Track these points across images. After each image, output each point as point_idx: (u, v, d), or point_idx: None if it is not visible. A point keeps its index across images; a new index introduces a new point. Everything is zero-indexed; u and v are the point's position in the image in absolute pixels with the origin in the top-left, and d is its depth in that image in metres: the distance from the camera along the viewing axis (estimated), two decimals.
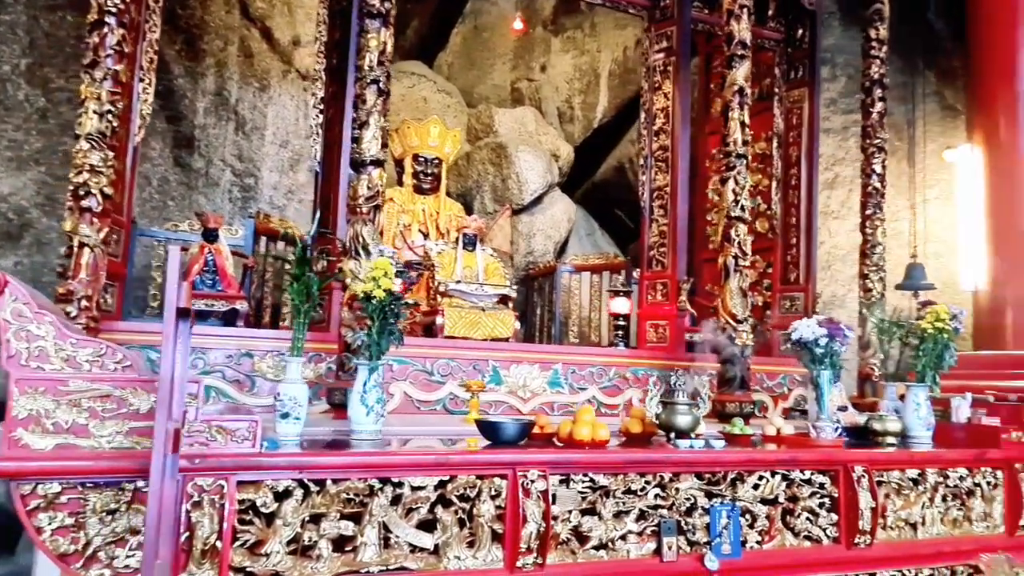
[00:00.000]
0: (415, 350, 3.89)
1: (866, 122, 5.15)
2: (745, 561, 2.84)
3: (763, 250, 5.55)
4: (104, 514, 2.11)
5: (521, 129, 7.79)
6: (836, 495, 3.09)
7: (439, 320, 4.57)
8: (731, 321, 4.19)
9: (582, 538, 2.66)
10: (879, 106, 5.11)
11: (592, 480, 2.69)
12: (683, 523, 2.81)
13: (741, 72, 4.35)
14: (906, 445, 3.46)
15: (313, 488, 2.31)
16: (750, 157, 4.42)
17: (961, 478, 3.38)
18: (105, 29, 3.08)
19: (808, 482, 3.07)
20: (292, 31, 6.75)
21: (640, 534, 2.75)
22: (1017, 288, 5.25)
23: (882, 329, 4.27)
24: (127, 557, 2.12)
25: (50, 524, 2.07)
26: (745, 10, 4.40)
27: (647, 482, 2.78)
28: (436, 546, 2.45)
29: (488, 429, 2.80)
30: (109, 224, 3.18)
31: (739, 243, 4.24)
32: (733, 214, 4.26)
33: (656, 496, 2.79)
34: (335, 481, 2.33)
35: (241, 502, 2.21)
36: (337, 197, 4.12)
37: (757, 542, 2.94)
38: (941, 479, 3.34)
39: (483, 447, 2.74)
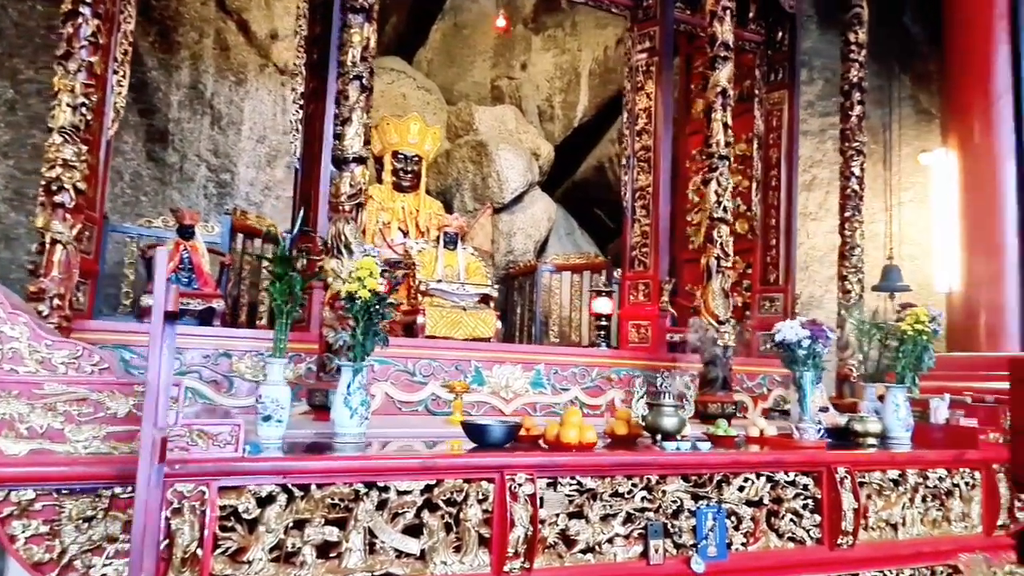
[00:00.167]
0: (396, 350, 3.84)
1: (845, 125, 5.20)
2: (731, 563, 2.84)
3: (743, 251, 5.59)
4: (80, 521, 2.04)
5: (501, 127, 7.75)
6: (819, 496, 3.11)
7: (420, 319, 4.53)
8: (713, 322, 4.20)
9: (569, 542, 2.64)
10: (858, 109, 5.16)
11: (579, 483, 2.67)
12: (669, 526, 2.80)
13: (724, 73, 4.36)
14: (886, 446, 3.49)
15: (297, 493, 2.25)
16: (732, 158, 4.43)
17: (940, 479, 3.42)
18: (79, 19, 2.99)
19: (792, 483, 3.08)
20: (270, 24, 6.63)
21: (627, 537, 2.73)
22: (990, 291, 5.34)
23: (861, 330, 4.31)
24: (104, 566, 2.05)
25: (24, 532, 1.99)
26: (728, 12, 4.41)
27: (634, 485, 2.76)
28: (422, 551, 2.41)
29: (474, 432, 2.76)
30: (82, 220, 3.09)
31: (721, 244, 4.25)
32: (716, 215, 4.27)
33: (643, 499, 2.77)
34: (320, 486, 2.28)
35: (223, 508, 2.15)
36: (318, 194, 4.06)
37: (742, 544, 2.94)
38: (921, 480, 3.38)
39: (469, 450, 2.71)
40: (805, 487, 3.10)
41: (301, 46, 4.43)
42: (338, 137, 3.50)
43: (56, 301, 2.87)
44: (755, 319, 5.53)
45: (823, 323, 3.48)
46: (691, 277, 5.58)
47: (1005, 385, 3.76)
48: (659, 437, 3.02)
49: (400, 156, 6.28)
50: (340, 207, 3.44)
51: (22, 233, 5.10)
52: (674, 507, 2.83)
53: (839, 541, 3.07)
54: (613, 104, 7.54)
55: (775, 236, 5.63)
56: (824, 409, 3.75)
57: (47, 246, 2.90)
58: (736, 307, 4.77)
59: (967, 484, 3.49)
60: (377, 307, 2.75)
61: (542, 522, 2.55)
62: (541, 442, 2.89)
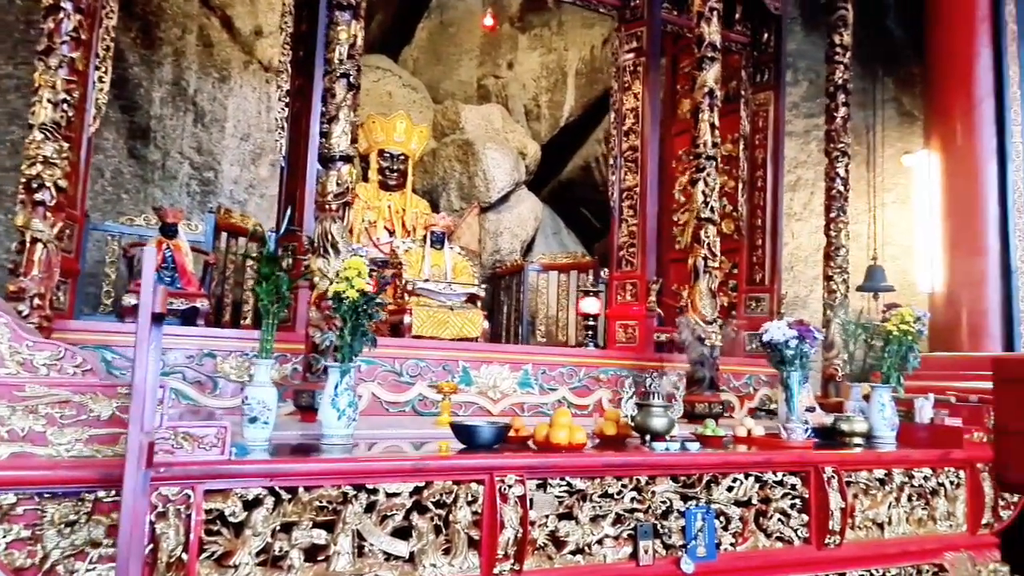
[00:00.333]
0: (383, 350, 3.81)
1: (830, 126, 5.24)
2: (720, 563, 2.85)
3: (729, 251, 5.60)
4: (63, 526, 1.99)
5: (488, 126, 7.73)
6: (807, 496, 3.12)
7: (407, 319, 4.50)
8: (700, 322, 4.20)
9: (559, 543, 2.63)
10: (843, 111, 5.20)
11: (569, 484, 2.66)
12: (659, 526, 2.80)
13: (711, 74, 4.37)
14: (872, 445, 3.51)
15: (284, 496, 2.22)
16: (718, 159, 4.44)
17: (926, 478, 3.44)
18: (61, 14, 2.94)
19: (780, 483, 3.09)
20: (254, 21, 6.56)
21: (616, 538, 2.73)
22: (972, 291, 5.40)
23: (847, 330, 4.34)
24: (87, 571, 2.00)
25: (4, 537, 1.94)
26: (715, 13, 4.42)
27: (623, 485, 2.75)
28: (411, 554, 2.39)
29: (464, 433, 2.74)
30: (63, 218, 3.03)
31: (708, 244, 4.26)
32: (703, 215, 4.28)
33: (632, 499, 2.77)
34: (307, 488, 2.25)
35: (208, 512, 2.11)
36: (304, 193, 4.02)
37: (731, 544, 2.94)
38: (907, 479, 3.40)
39: (458, 451, 2.69)
40: (793, 487, 3.11)
41: (286, 43, 4.39)
42: (325, 135, 3.47)
43: (37, 301, 2.82)
44: (741, 319, 5.55)
45: (810, 323, 3.50)
46: (678, 277, 5.59)
47: (988, 385, 3.80)
48: (648, 437, 3.02)
49: (386, 155, 6.25)
50: (327, 206, 3.41)
51: (1, 232, 5.01)
52: (663, 508, 2.82)
53: (826, 540, 3.08)
54: (599, 104, 7.55)
55: (761, 236, 5.66)
56: (811, 409, 3.76)
57: (27, 245, 2.86)
58: (722, 307, 4.79)
59: (952, 483, 3.52)
60: (365, 307, 2.72)
61: (532, 523, 2.53)
62: (530, 443, 2.88)
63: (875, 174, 7.17)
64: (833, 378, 4.92)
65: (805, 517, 3.11)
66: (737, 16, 5.82)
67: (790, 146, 6.85)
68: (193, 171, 6.19)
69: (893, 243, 7.05)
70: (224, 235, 4.94)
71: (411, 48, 8.82)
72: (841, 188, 5.14)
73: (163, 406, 2.05)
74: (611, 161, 5.32)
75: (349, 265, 2.74)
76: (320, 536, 2.26)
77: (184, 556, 2.01)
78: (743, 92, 5.83)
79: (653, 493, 2.81)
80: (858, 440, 3.48)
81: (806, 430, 3.34)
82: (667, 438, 3.02)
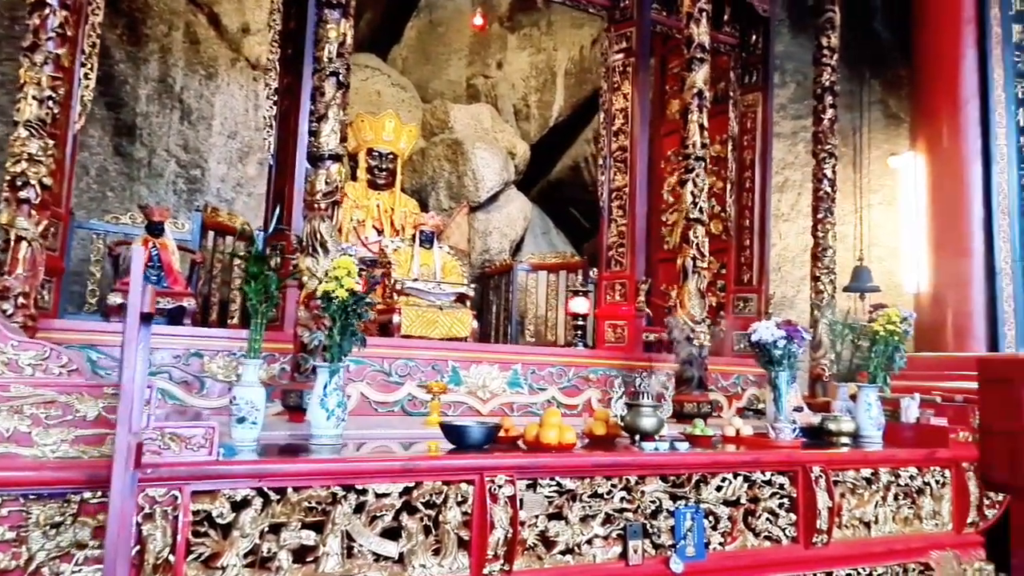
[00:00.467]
0: (372, 350, 3.79)
1: (817, 128, 5.27)
2: (709, 563, 2.86)
3: (717, 251, 5.62)
4: (48, 528, 1.97)
5: (477, 126, 7.72)
6: (795, 495, 3.14)
7: (396, 319, 4.49)
8: (689, 321, 4.22)
9: (549, 543, 2.63)
10: (830, 112, 5.24)
11: (559, 484, 2.66)
12: (648, 526, 2.80)
13: (700, 75, 4.38)
14: (859, 445, 3.53)
15: (273, 497, 2.21)
16: (707, 159, 4.45)
17: (912, 477, 3.47)
18: (46, 10, 2.91)
19: (768, 483, 3.10)
20: (241, 18, 6.51)
21: (606, 538, 2.73)
22: (957, 292, 5.45)
23: (834, 330, 4.36)
24: (73, 573, 1.98)
25: None
26: (704, 14, 4.43)
27: (613, 485, 2.76)
28: (401, 554, 2.38)
29: (454, 433, 2.73)
30: (47, 216, 3.00)
31: (697, 244, 4.27)
32: (692, 216, 4.29)
33: (622, 499, 2.77)
34: (296, 489, 2.24)
35: (196, 513, 2.10)
36: (292, 192, 4.00)
37: (720, 543, 2.95)
38: (893, 478, 3.42)
39: (448, 451, 2.68)
40: (781, 486, 3.13)
41: (275, 41, 4.36)
42: (314, 134, 3.45)
43: (21, 300, 2.79)
44: (729, 319, 5.58)
45: (798, 323, 3.52)
46: (666, 277, 5.60)
47: (974, 385, 3.84)
48: (637, 437, 3.02)
49: (375, 153, 6.23)
50: (315, 205, 3.39)
51: None
52: (653, 507, 2.83)
53: (814, 539, 3.10)
54: (589, 104, 7.55)
55: (749, 237, 5.69)
56: (799, 409, 3.78)
57: (11, 243, 2.82)
58: (711, 307, 4.81)
59: (938, 482, 3.55)
60: (354, 307, 2.70)
61: (522, 524, 2.53)
62: (520, 443, 2.87)
63: (862, 175, 7.22)
64: (821, 378, 4.95)
65: (793, 516, 3.13)
66: (726, 18, 5.84)
67: (778, 147, 6.89)
68: (180, 169, 6.14)
69: (879, 244, 7.11)
70: (211, 234, 4.91)
71: (400, 47, 8.80)
72: (828, 189, 5.18)
73: (150, 406, 2.03)
74: (600, 161, 5.33)
75: (338, 264, 2.72)
76: (309, 537, 2.24)
77: (171, 558, 1.99)
78: (732, 93, 5.85)
79: (642, 493, 2.82)
80: (845, 440, 3.50)
81: (794, 430, 3.36)
82: (656, 438, 3.03)
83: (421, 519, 2.42)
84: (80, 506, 2.00)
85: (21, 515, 1.94)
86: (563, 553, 2.64)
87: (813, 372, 5.03)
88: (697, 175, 4.31)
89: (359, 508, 2.33)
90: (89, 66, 3.66)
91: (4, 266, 2.79)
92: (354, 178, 6.25)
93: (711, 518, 2.95)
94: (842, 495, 3.25)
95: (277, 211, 3.34)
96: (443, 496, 2.45)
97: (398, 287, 4.73)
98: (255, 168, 6.34)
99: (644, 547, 2.77)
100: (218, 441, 2.14)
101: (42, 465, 1.97)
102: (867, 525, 3.33)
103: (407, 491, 2.40)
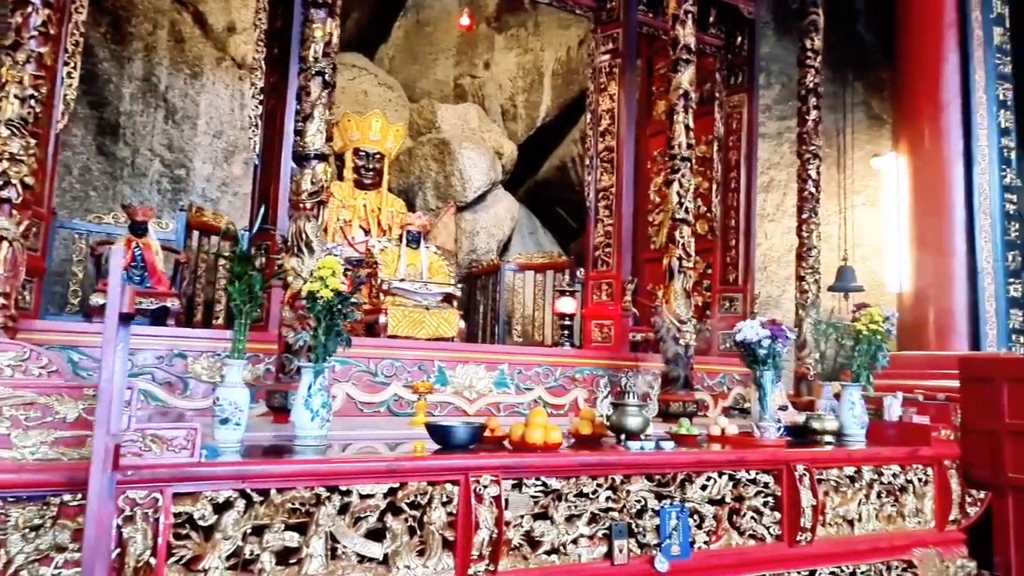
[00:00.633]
0: (358, 350, 3.78)
1: (802, 129, 5.30)
2: (694, 561, 2.87)
3: (703, 251, 5.64)
4: (27, 530, 1.95)
5: (464, 126, 7.72)
6: (779, 494, 3.15)
7: (382, 319, 4.48)
8: (675, 321, 4.23)
9: (534, 543, 2.63)
10: (814, 114, 5.27)
11: (545, 484, 2.66)
12: (634, 525, 2.81)
13: (686, 76, 4.40)
14: (842, 443, 3.56)
15: (256, 498, 2.19)
16: (693, 160, 4.47)
17: (894, 475, 3.50)
18: (29, 8, 2.87)
19: (753, 482, 3.12)
20: (227, 17, 6.48)
21: (591, 538, 2.73)
22: (939, 291, 5.49)
23: (818, 330, 4.39)
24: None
25: None
26: (690, 16, 4.45)
27: (599, 485, 2.76)
28: (385, 555, 2.37)
29: (439, 433, 2.73)
30: (29, 216, 2.96)
31: (683, 245, 4.29)
32: (677, 216, 4.31)
33: (607, 499, 2.78)
34: (280, 490, 2.23)
35: (177, 515, 2.08)
36: (277, 191, 3.98)
37: (705, 542, 2.97)
38: (876, 476, 3.45)
39: (433, 452, 2.67)
40: (766, 485, 3.15)
41: (261, 40, 4.34)
42: (299, 133, 3.43)
43: (1, 300, 2.74)
44: (715, 318, 5.60)
45: (782, 323, 3.54)
46: (653, 277, 5.62)
47: (955, 383, 3.87)
48: (623, 437, 3.03)
49: (362, 153, 6.20)
50: (301, 204, 3.37)
51: None
52: (638, 507, 2.84)
53: (798, 537, 3.12)
54: (576, 104, 7.56)
55: (735, 237, 5.72)
56: (783, 407, 3.81)
57: None
58: (697, 307, 4.82)
59: (920, 480, 3.58)
60: (340, 307, 2.69)
61: (507, 524, 2.53)
62: (506, 443, 2.87)
63: (845, 176, 7.28)
64: (806, 377, 4.98)
65: (777, 515, 3.15)
66: (711, 20, 5.87)
67: (763, 148, 6.93)
68: (164, 168, 6.10)
69: (863, 244, 7.16)
70: (196, 234, 4.87)
71: (387, 46, 8.77)
72: (812, 190, 5.21)
73: (131, 408, 2.01)
74: (587, 161, 5.34)
75: (323, 264, 2.71)
76: (292, 539, 2.23)
77: (152, 560, 1.97)
78: (717, 94, 5.88)
79: (628, 492, 2.82)
80: (829, 438, 3.53)
81: (779, 429, 3.38)
82: (642, 437, 3.04)
83: (406, 520, 2.41)
84: (60, 509, 1.98)
85: (0, 518, 1.92)
86: (548, 553, 2.64)
87: (798, 371, 5.06)
88: (683, 175, 4.33)
89: (343, 509, 2.32)
90: (72, 65, 3.62)
91: None
92: (341, 178, 6.22)
93: (696, 517, 2.97)
94: (826, 493, 3.27)
95: (261, 211, 3.32)
96: (428, 497, 2.45)
97: (385, 287, 4.72)
98: (241, 168, 6.30)
99: (629, 546, 2.77)
100: (200, 442, 2.12)
101: (21, 467, 1.95)
102: (850, 523, 3.35)
103: (392, 492, 2.39)
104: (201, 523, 2.11)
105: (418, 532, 2.43)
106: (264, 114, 4.22)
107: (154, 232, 4.31)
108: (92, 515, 1.66)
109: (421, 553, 2.42)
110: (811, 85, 5.27)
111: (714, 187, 5.80)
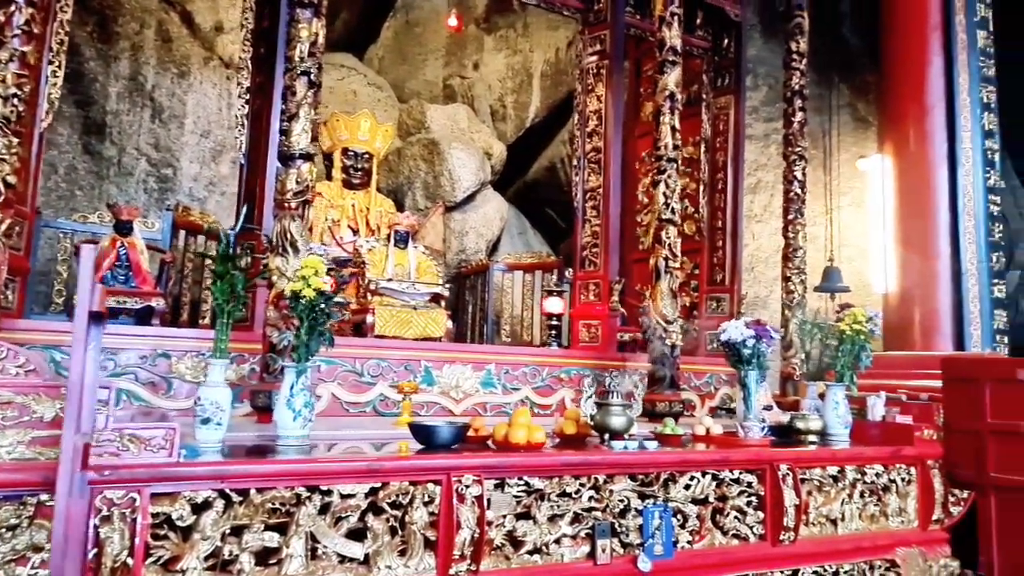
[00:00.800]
0: (344, 350, 3.78)
1: (788, 131, 5.32)
2: (677, 561, 2.87)
3: (690, 252, 5.66)
4: (3, 530, 1.94)
5: (454, 126, 7.71)
6: (763, 493, 3.16)
7: (369, 319, 4.47)
8: (661, 321, 4.24)
9: (516, 543, 2.63)
10: (800, 116, 5.29)
11: (527, 484, 2.66)
12: (617, 525, 2.81)
13: (672, 77, 4.41)
14: (826, 443, 3.58)
15: (235, 498, 2.19)
16: (680, 161, 4.48)
17: (878, 475, 3.52)
18: (12, 7, 2.86)
19: (736, 481, 3.13)
20: (214, 16, 6.46)
21: (574, 537, 2.74)
22: (924, 292, 5.53)
23: (803, 330, 4.41)
24: None
25: None
26: (676, 17, 4.46)
27: (582, 484, 2.77)
28: (366, 556, 2.36)
29: (422, 433, 2.73)
30: (12, 215, 2.95)
31: (670, 245, 4.30)
32: (664, 217, 4.32)
33: (590, 498, 2.78)
34: (260, 490, 2.22)
35: (155, 515, 2.07)
36: (263, 191, 3.97)
37: (688, 542, 2.97)
38: (859, 476, 3.47)
39: (417, 452, 2.67)
40: (749, 484, 3.16)
41: (247, 40, 4.33)
42: (285, 133, 3.42)
43: None
44: (702, 319, 5.62)
45: (767, 323, 3.56)
46: (640, 277, 5.63)
47: (938, 383, 3.90)
48: (607, 436, 3.03)
49: (350, 153, 6.19)
50: (286, 204, 3.36)
51: None
52: (621, 506, 2.84)
53: (781, 537, 3.13)
54: (565, 105, 7.57)
55: (722, 238, 5.73)
56: (768, 407, 3.82)
57: None
58: (684, 307, 4.84)
59: (903, 480, 3.60)
60: (323, 306, 2.69)
61: (489, 524, 2.53)
62: (490, 443, 2.87)
63: (831, 177, 7.32)
64: (792, 377, 5.00)
65: (761, 514, 3.16)
66: (698, 22, 5.88)
67: (750, 149, 6.96)
68: (150, 168, 6.07)
69: (849, 245, 7.20)
70: (182, 233, 4.86)
71: (376, 47, 8.76)
72: (799, 191, 5.23)
73: (109, 407, 2.00)
74: (575, 162, 5.35)
75: (306, 264, 2.71)
76: (272, 539, 2.22)
77: (129, 561, 1.96)
78: (704, 96, 5.90)
79: (611, 492, 2.83)
80: (813, 438, 3.55)
81: (763, 428, 3.39)
82: (626, 437, 3.04)
83: (387, 520, 2.41)
84: (37, 508, 1.97)
85: None
86: (531, 553, 2.64)
87: (785, 371, 5.07)
88: (669, 176, 4.34)
89: (324, 509, 2.31)
90: (57, 64, 3.60)
91: None
92: (329, 177, 6.22)
93: (679, 516, 2.97)
94: (809, 493, 3.29)
95: (244, 210, 3.31)
96: (410, 496, 2.44)
97: (372, 287, 4.71)
98: (228, 167, 6.28)
99: (612, 546, 2.78)
100: (179, 442, 2.11)
101: None
102: (834, 522, 3.37)
103: (373, 492, 2.39)
104: (179, 523, 2.10)
105: (399, 532, 2.43)
106: (250, 114, 4.21)
107: (139, 231, 4.29)
108: (60, 514, 1.65)
109: (402, 553, 2.42)
110: (797, 87, 5.29)
111: (701, 188, 5.82)
